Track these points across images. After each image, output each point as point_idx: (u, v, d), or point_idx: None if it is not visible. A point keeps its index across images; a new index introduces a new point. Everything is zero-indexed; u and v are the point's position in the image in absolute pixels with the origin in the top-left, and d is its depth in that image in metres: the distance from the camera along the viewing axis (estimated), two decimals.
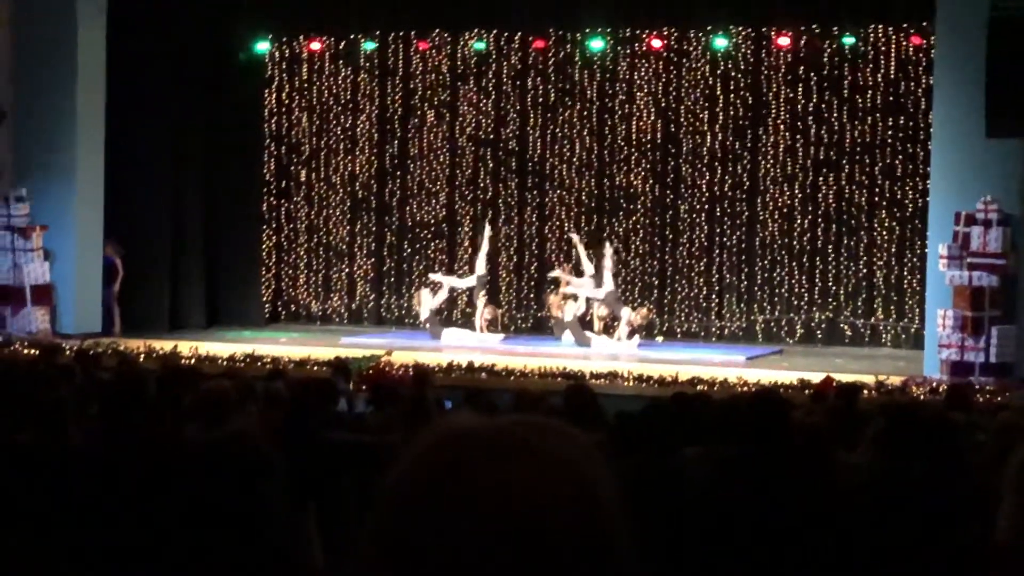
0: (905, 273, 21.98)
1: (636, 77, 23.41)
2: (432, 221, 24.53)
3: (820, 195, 22.56)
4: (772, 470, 5.82)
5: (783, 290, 22.62)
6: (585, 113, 23.75)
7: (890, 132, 22.07)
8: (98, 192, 22.61)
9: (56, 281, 21.96)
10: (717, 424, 7.18)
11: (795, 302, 22.43)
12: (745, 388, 16.14)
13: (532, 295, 24.00)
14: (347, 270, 24.96)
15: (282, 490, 3.81)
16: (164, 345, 19.74)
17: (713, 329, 23.08)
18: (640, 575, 1.58)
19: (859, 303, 22.37)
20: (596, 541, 1.54)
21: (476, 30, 23.80)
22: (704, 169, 23.14)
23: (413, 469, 1.56)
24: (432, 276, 23.03)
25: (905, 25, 21.61)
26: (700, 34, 22.86)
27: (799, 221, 22.65)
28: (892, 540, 5.53)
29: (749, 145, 22.87)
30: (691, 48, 23.08)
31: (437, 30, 24.08)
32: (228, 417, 6.79)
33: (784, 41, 22.29)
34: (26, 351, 18.81)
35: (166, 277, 23.70)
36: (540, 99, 23.98)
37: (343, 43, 24.52)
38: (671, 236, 23.30)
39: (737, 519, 5.68)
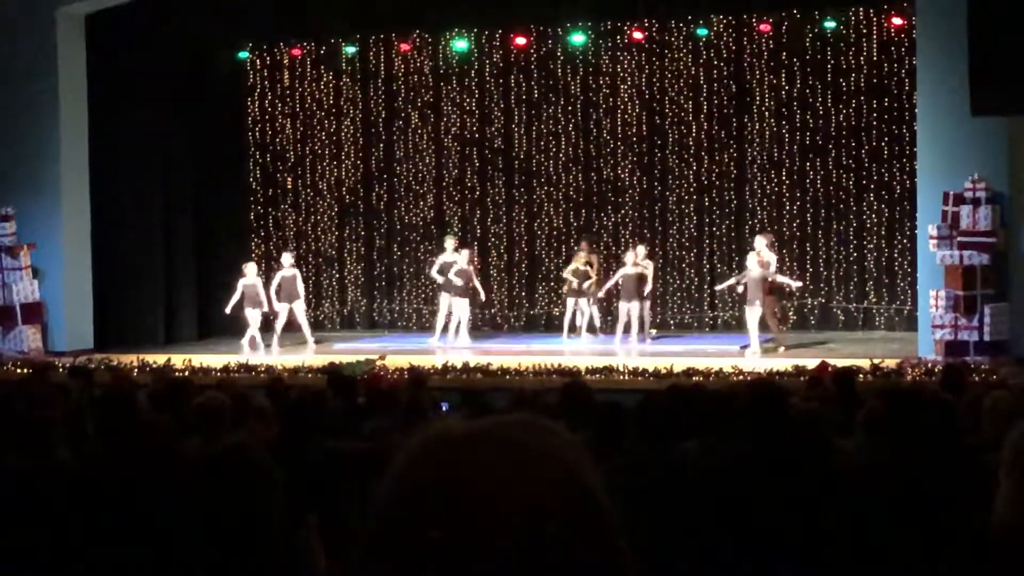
0: (896, 255, 22.00)
1: (619, 70, 23.41)
2: (420, 223, 24.51)
3: (808, 180, 22.57)
4: (770, 458, 5.80)
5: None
6: (569, 108, 23.74)
7: (875, 114, 22.09)
8: (84, 208, 22.56)
9: (46, 299, 21.91)
10: (715, 415, 7.17)
11: (787, 289, 22.43)
12: (741, 377, 16.13)
13: (523, 293, 23.99)
14: (337, 276, 24.93)
15: (283, 501, 3.79)
16: (157, 359, 19.70)
17: (706, 319, 23.09)
18: (636, 568, 1.57)
19: (851, 287, 22.40)
20: (592, 536, 1.54)
21: (457, 29, 23.77)
22: (691, 159, 23.16)
23: (403, 475, 1.56)
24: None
25: (886, 6, 21.62)
26: (681, 24, 22.86)
27: (788, 207, 22.67)
28: (892, 524, 5.52)
29: (735, 133, 22.89)
30: (673, 39, 23.08)
31: (417, 31, 24.04)
32: (224, 430, 6.76)
33: (765, 28, 22.29)
34: (18, 370, 18.77)
35: (158, 290, 23.63)
36: (524, 96, 23.97)
37: (323, 48, 24.49)
38: (660, 228, 23.30)
39: (738, 509, 5.67)
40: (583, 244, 22.28)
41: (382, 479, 1.58)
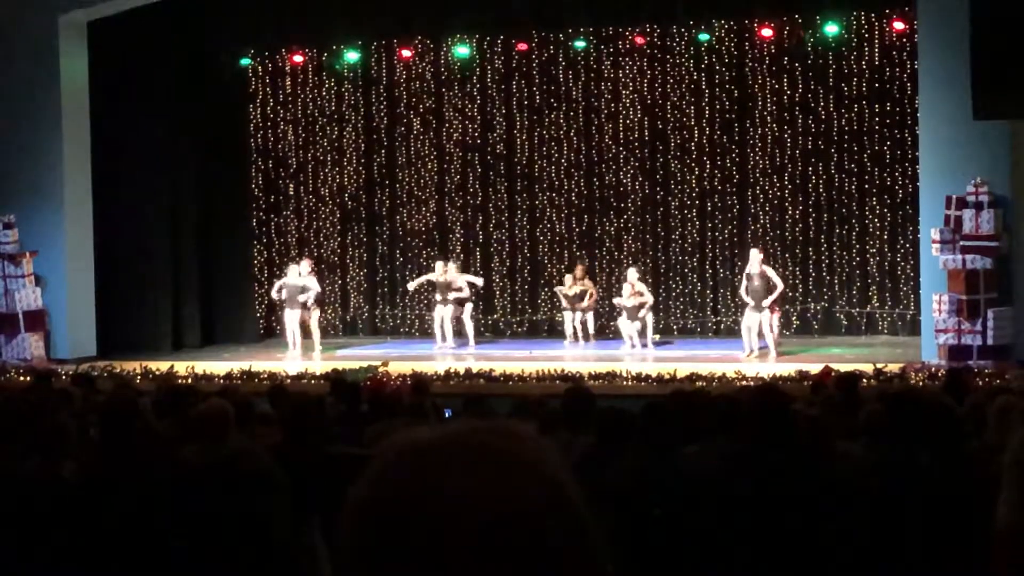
0: (899, 259, 21.99)
1: (621, 75, 23.40)
2: (423, 229, 24.50)
3: (810, 185, 22.56)
4: (773, 464, 5.79)
5: None
6: (571, 114, 23.74)
7: (877, 119, 22.08)
8: (86, 215, 22.55)
9: (49, 306, 21.90)
10: (717, 420, 7.16)
11: (790, 293, 22.41)
12: (744, 382, 16.11)
13: (526, 299, 23.99)
14: (340, 282, 24.92)
15: (286, 505, 3.78)
16: (160, 366, 19.70)
17: (709, 325, 23.07)
18: (614, 572, 1.56)
19: (854, 291, 22.37)
20: (570, 542, 1.52)
21: (458, 35, 23.76)
22: (693, 164, 23.14)
23: (375, 486, 1.55)
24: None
25: (887, 11, 21.62)
26: (683, 29, 22.85)
27: (790, 212, 22.66)
28: (894, 527, 5.52)
29: (737, 138, 22.88)
30: (675, 44, 23.08)
31: (419, 37, 24.03)
32: (227, 436, 6.76)
33: (767, 32, 22.28)
34: (21, 378, 18.76)
35: (161, 297, 23.62)
36: (526, 102, 23.96)
37: (325, 54, 24.48)
38: (663, 233, 23.29)
39: (740, 514, 5.66)
40: (577, 268, 22.33)
41: (354, 487, 1.57)
